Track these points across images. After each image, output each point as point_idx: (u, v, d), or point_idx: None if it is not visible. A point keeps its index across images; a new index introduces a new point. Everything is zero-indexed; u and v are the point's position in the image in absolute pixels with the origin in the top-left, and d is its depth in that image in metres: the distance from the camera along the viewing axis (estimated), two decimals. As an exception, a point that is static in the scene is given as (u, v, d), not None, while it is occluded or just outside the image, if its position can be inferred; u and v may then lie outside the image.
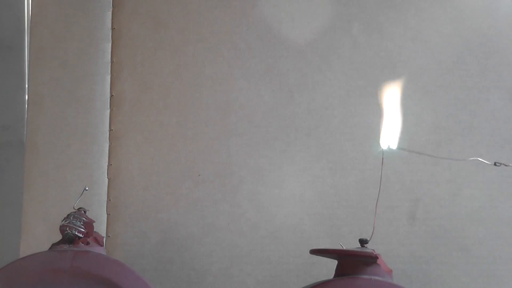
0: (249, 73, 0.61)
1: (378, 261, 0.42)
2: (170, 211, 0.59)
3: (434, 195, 0.58)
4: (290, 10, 0.62)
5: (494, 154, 0.59)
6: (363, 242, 0.44)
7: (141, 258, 0.58)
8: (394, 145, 0.45)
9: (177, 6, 0.62)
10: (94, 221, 0.47)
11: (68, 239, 0.45)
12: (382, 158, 0.46)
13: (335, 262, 0.45)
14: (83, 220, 0.45)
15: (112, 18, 0.62)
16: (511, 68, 0.61)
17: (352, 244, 0.45)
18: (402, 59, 0.61)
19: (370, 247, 0.44)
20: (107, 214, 0.59)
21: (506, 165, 0.43)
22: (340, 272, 0.44)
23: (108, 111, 0.61)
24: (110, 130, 0.61)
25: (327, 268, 0.46)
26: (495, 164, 0.43)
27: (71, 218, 0.45)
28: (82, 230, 0.45)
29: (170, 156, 0.60)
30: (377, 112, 0.59)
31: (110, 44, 0.62)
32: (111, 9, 0.63)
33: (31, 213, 0.59)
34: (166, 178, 0.59)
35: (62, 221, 0.45)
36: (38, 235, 0.58)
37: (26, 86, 0.62)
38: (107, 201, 0.59)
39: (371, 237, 0.44)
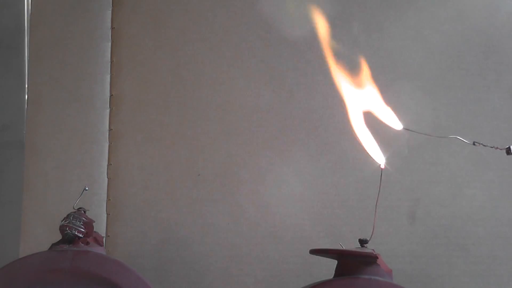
0: (249, 73, 0.61)
1: (378, 261, 0.42)
2: (170, 210, 0.59)
3: (434, 195, 0.58)
4: (290, 10, 0.61)
5: (493, 153, 0.59)
6: (363, 242, 0.44)
7: (141, 258, 0.58)
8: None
9: (177, 5, 0.62)
10: (94, 221, 0.47)
11: (68, 239, 0.45)
12: (382, 160, 0.46)
13: (335, 262, 0.45)
14: (83, 220, 0.45)
15: (111, 18, 0.62)
16: (511, 68, 0.61)
17: (352, 244, 0.45)
18: (402, 58, 0.61)
19: (370, 247, 0.44)
20: (107, 214, 0.59)
21: (484, 145, 0.43)
22: (340, 272, 0.44)
23: (107, 111, 0.61)
24: (110, 129, 0.61)
25: (327, 268, 0.46)
26: (473, 143, 0.43)
27: (71, 218, 0.45)
28: (82, 230, 0.45)
29: (170, 156, 0.60)
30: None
31: (110, 43, 0.62)
32: (110, 8, 0.63)
33: (31, 213, 0.59)
34: (166, 178, 0.59)
35: (62, 221, 0.45)
36: (38, 235, 0.58)
37: (26, 85, 0.62)
38: (107, 200, 0.59)
39: (371, 237, 0.44)
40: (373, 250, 0.43)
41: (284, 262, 0.58)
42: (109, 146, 0.60)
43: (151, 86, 0.61)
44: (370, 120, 0.47)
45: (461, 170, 0.59)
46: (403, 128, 0.45)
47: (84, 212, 0.47)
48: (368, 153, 0.46)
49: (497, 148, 0.43)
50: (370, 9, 0.61)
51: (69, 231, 0.45)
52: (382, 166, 0.46)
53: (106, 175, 0.60)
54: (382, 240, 0.57)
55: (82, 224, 0.45)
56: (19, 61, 0.62)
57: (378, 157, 0.46)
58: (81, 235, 0.45)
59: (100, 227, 0.58)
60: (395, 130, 0.49)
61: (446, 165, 0.59)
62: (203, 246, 0.58)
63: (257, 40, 0.61)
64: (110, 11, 0.62)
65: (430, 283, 0.57)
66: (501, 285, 0.57)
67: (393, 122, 0.46)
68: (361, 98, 0.47)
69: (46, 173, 0.59)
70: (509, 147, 0.43)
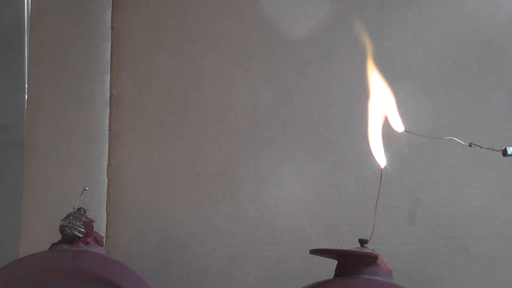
0: (249, 73, 0.61)
1: (378, 261, 0.42)
2: (170, 211, 0.59)
3: (434, 195, 0.58)
4: (290, 10, 0.62)
5: (494, 153, 0.59)
6: (363, 242, 0.44)
7: (141, 258, 0.58)
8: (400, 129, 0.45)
9: (177, 5, 0.62)
10: (94, 221, 0.47)
11: (68, 239, 0.45)
12: (383, 160, 0.46)
13: (335, 262, 0.45)
14: (83, 220, 0.45)
15: (111, 18, 0.62)
16: (511, 68, 0.61)
17: (352, 244, 0.45)
18: (402, 58, 0.61)
19: (370, 247, 0.44)
20: (107, 214, 0.59)
21: (480, 147, 0.43)
22: (340, 272, 0.44)
23: (107, 111, 0.61)
24: (110, 129, 0.61)
25: (327, 268, 0.46)
26: (470, 145, 0.43)
27: (71, 218, 0.45)
28: (82, 230, 0.45)
29: (170, 156, 0.60)
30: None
31: (110, 43, 0.62)
32: (110, 8, 0.63)
33: (31, 213, 0.59)
34: (166, 178, 0.59)
35: (62, 221, 0.45)
36: (38, 235, 0.58)
37: (26, 86, 0.62)
38: (106, 200, 0.59)
39: (371, 237, 0.44)
40: (373, 250, 0.43)
41: (284, 262, 0.58)
42: (109, 146, 0.60)
43: (151, 86, 0.61)
44: (373, 119, 0.47)
45: (461, 170, 0.59)
46: (404, 131, 0.45)
47: (84, 212, 0.47)
48: (369, 153, 0.46)
49: (493, 149, 0.43)
50: (370, 9, 0.61)
51: (69, 231, 0.45)
52: (382, 166, 0.46)
53: (106, 175, 0.60)
54: (382, 240, 0.57)
55: (82, 224, 0.45)
56: (19, 61, 0.62)
57: (379, 157, 0.46)
58: (81, 235, 0.45)
59: (100, 227, 0.58)
60: (395, 130, 0.49)
61: (446, 165, 0.59)
62: (203, 246, 0.58)
63: (257, 40, 0.61)
64: (110, 11, 0.62)
65: (430, 283, 0.57)
66: (501, 285, 0.57)
67: (395, 123, 0.46)
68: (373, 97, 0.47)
69: (46, 173, 0.59)
70: (505, 149, 0.43)
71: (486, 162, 0.59)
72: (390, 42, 0.61)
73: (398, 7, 0.61)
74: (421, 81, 0.60)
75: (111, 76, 0.61)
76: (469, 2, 0.62)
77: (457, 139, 0.44)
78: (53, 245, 0.45)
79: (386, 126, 0.58)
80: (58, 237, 0.45)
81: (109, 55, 0.62)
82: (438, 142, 0.59)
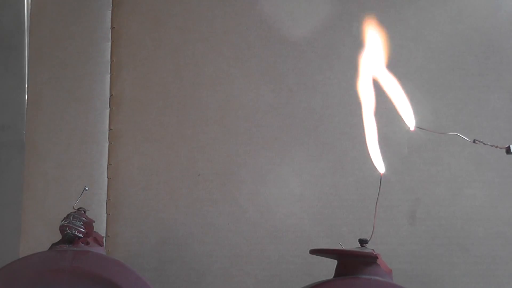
0: (249, 73, 0.61)
1: (378, 261, 0.42)
2: (170, 210, 0.59)
3: (434, 195, 0.58)
4: (290, 10, 0.62)
5: (494, 153, 0.59)
6: (363, 242, 0.44)
7: (141, 258, 0.58)
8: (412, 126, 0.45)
9: (177, 5, 0.62)
10: (94, 221, 0.47)
11: (68, 239, 0.45)
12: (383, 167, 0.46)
13: (335, 262, 0.45)
14: (83, 220, 0.45)
15: (111, 17, 0.62)
16: (511, 68, 0.61)
17: (352, 244, 0.45)
18: (402, 59, 0.61)
19: (370, 247, 0.44)
20: (107, 213, 0.59)
21: (484, 144, 0.43)
22: (340, 272, 0.44)
23: (107, 111, 0.61)
24: (110, 129, 0.61)
25: (327, 268, 0.46)
26: (474, 141, 0.43)
27: (71, 218, 0.45)
28: (82, 230, 0.45)
29: (170, 155, 0.60)
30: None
31: (110, 43, 0.62)
32: (110, 8, 0.63)
33: (31, 213, 0.59)
34: (166, 178, 0.59)
35: (62, 221, 0.45)
36: (38, 235, 0.58)
37: (26, 85, 0.62)
38: (106, 200, 0.59)
39: (371, 237, 0.44)
40: (373, 250, 0.43)
41: (284, 262, 0.58)
42: (109, 146, 0.60)
43: (151, 86, 0.61)
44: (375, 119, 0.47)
45: (461, 170, 0.59)
46: (416, 127, 0.45)
47: (84, 212, 0.47)
48: (368, 154, 0.46)
49: (497, 147, 0.43)
50: (370, 9, 0.61)
51: (69, 231, 0.45)
52: (382, 173, 0.46)
53: (106, 175, 0.60)
54: (382, 240, 0.57)
55: (82, 224, 0.45)
56: (19, 61, 0.62)
57: (378, 163, 0.46)
58: (81, 235, 0.45)
59: (100, 227, 0.58)
60: (395, 130, 0.49)
61: (446, 165, 0.59)
62: (203, 246, 0.58)
63: (257, 40, 0.61)
64: (110, 11, 0.62)
65: (430, 283, 0.57)
66: (501, 285, 0.57)
67: (407, 120, 0.46)
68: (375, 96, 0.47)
69: (46, 173, 0.59)
70: (509, 146, 0.43)
71: (486, 162, 0.59)
72: (390, 42, 0.61)
73: (398, 7, 0.61)
74: (421, 81, 0.60)
75: (111, 76, 0.61)
76: (469, 2, 0.62)
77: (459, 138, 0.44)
78: (53, 245, 0.45)
79: (386, 127, 0.58)
80: (58, 237, 0.45)
81: (109, 55, 0.62)
82: (438, 142, 0.59)
